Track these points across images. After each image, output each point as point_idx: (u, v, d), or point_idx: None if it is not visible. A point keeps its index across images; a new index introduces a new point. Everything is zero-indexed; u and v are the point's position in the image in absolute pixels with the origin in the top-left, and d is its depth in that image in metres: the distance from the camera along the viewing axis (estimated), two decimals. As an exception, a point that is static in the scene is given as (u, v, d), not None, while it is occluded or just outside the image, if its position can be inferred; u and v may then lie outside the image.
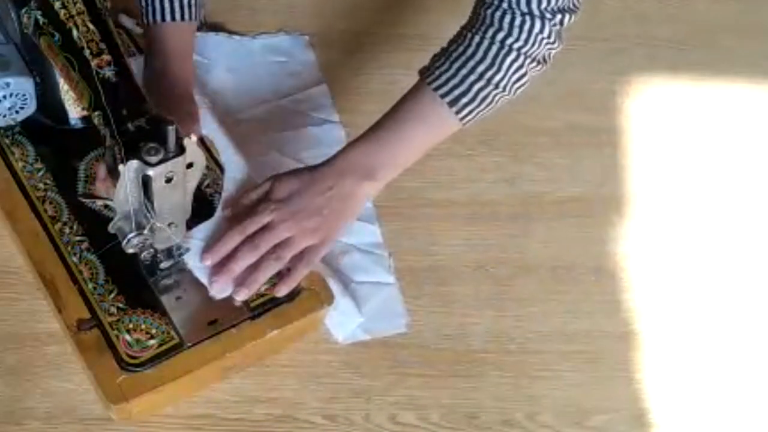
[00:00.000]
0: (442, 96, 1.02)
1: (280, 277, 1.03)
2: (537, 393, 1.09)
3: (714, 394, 1.11)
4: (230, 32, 1.30)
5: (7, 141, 1.12)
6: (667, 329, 1.15)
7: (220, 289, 1.02)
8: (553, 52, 1.04)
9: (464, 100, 1.02)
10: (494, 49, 1.01)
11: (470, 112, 1.03)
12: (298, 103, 1.25)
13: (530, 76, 1.03)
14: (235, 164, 1.12)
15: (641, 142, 1.29)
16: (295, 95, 1.26)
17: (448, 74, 1.02)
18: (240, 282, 1.02)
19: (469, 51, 1.02)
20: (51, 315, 1.05)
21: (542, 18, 1.00)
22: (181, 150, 0.89)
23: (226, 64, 1.26)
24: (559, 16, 1.00)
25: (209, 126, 1.14)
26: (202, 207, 1.04)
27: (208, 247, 1.03)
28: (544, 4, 0.99)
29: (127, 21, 1.23)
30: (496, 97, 1.03)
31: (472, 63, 1.02)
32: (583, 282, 1.17)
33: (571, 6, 1.01)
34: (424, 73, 1.04)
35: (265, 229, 1.02)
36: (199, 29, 1.27)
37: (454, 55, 1.02)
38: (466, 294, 1.14)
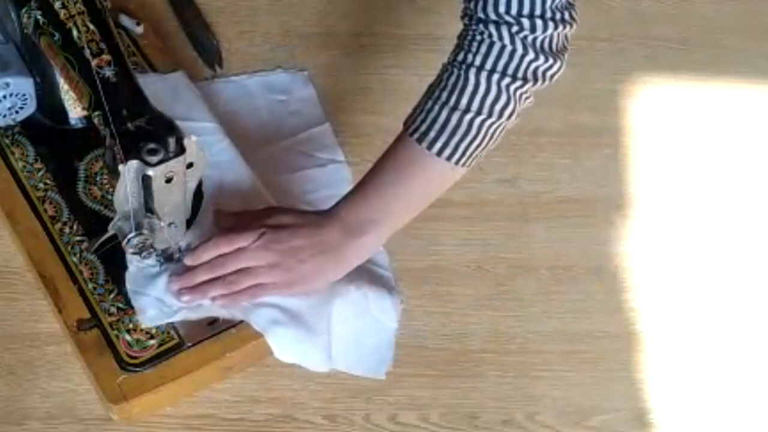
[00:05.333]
0: (411, 134, 0.96)
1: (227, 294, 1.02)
2: (537, 393, 1.09)
3: (714, 394, 1.11)
4: (216, 72, 1.27)
5: (7, 141, 1.12)
6: (667, 329, 1.15)
7: (173, 287, 1.01)
8: (542, 66, 0.94)
9: (432, 133, 0.95)
10: (455, 71, 0.94)
11: (446, 144, 0.95)
12: (301, 144, 1.21)
13: (515, 96, 0.95)
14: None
15: (642, 142, 1.29)
16: (297, 135, 1.22)
17: (418, 110, 0.97)
18: (192, 288, 1.01)
19: (436, 81, 0.96)
20: (51, 315, 1.05)
21: (498, 24, 0.92)
22: (181, 150, 0.89)
23: (225, 107, 1.22)
24: (526, 22, 0.92)
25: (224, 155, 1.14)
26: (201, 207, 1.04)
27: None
28: (502, 8, 0.91)
29: (127, 21, 1.23)
30: (474, 124, 0.94)
31: (436, 92, 0.96)
32: (583, 282, 1.16)
33: (542, 13, 0.92)
34: (405, 121, 0.99)
35: (241, 249, 1.01)
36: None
37: (426, 91, 0.98)
38: (466, 294, 1.14)
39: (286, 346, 1.02)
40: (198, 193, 0.98)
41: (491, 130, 0.96)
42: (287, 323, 1.02)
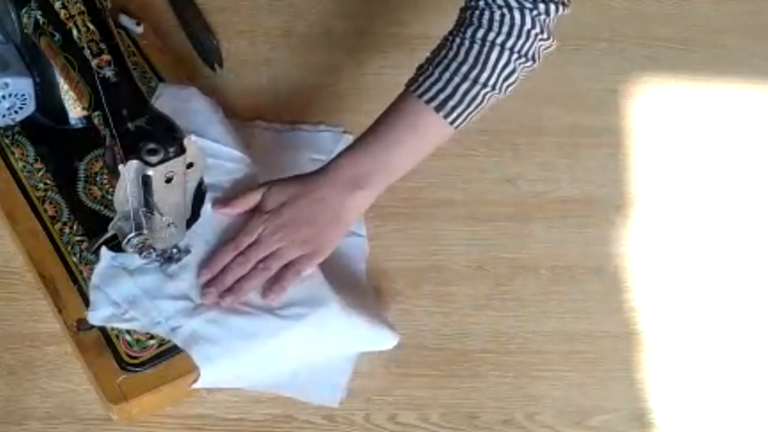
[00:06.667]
0: (427, 101, 1.02)
1: (270, 284, 1.03)
2: (537, 393, 1.09)
3: (714, 395, 1.11)
4: (268, 120, 1.24)
5: (7, 141, 1.12)
6: (667, 329, 1.14)
7: (211, 299, 1.02)
8: (544, 47, 1.03)
9: (451, 102, 1.02)
10: (476, 47, 1.01)
11: (459, 114, 1.02)
12: None
13: (520, 74, 1.03)
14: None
15: (642, 142, 1.29)
16: None
17: (432, 79, 1.02)
18: (227, 289, 1.02)
19: (451, 54, 1.02)
20: (51, 315, 1.05)
21: (521, 9, 1.00)
22: (181, 150, 0.89)
23: (262, 156, 1.17)
24: (542, 6, 1.00)
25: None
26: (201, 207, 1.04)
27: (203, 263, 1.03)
28: None
29: (127, 21, 1.23)
30: (486, 96, 1.02)
31: (454, 65, 1.01)
32: (583, 282, 1.16)
33: None
34: (409, 84, 1.04)
35: (255, 242, 1.03)
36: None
37: (437, 60, 1.02)
38: (465, 294, 1.14)
39: (213, 382, 1.01)
40: (198, 193, 0.98)
41: (490, 102, 1.04)
42: (224, 363, 1.00)
